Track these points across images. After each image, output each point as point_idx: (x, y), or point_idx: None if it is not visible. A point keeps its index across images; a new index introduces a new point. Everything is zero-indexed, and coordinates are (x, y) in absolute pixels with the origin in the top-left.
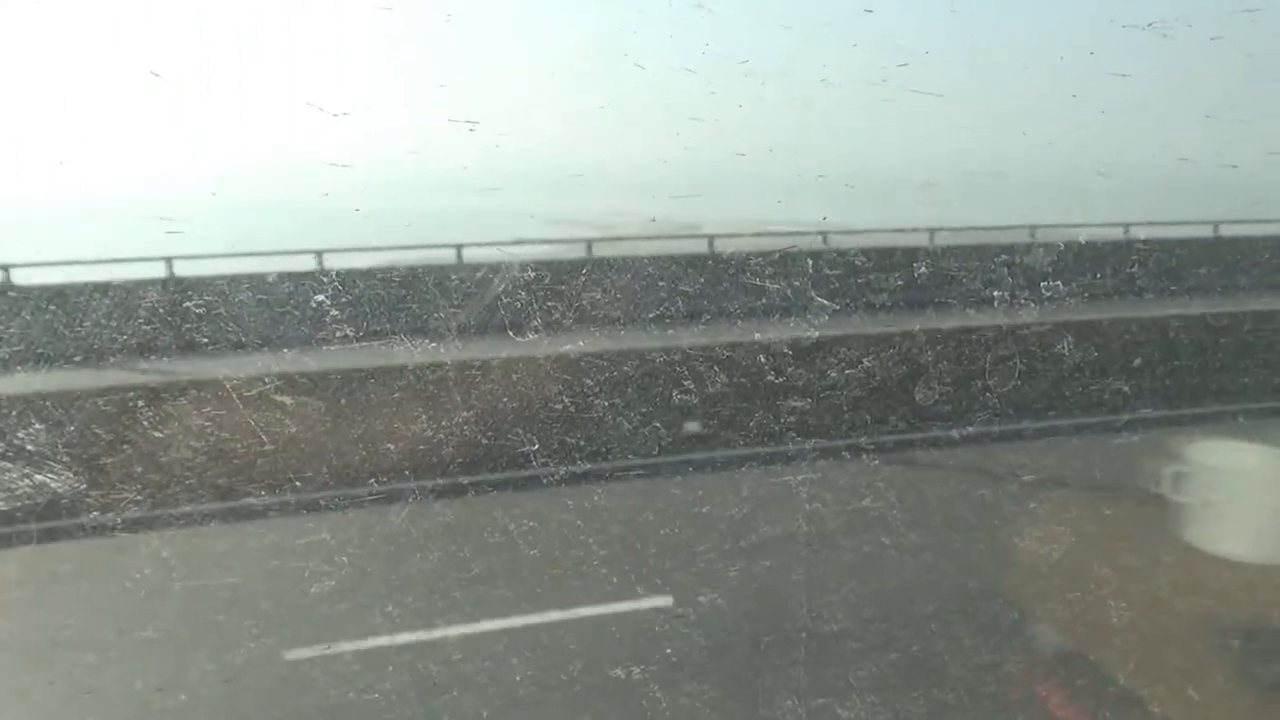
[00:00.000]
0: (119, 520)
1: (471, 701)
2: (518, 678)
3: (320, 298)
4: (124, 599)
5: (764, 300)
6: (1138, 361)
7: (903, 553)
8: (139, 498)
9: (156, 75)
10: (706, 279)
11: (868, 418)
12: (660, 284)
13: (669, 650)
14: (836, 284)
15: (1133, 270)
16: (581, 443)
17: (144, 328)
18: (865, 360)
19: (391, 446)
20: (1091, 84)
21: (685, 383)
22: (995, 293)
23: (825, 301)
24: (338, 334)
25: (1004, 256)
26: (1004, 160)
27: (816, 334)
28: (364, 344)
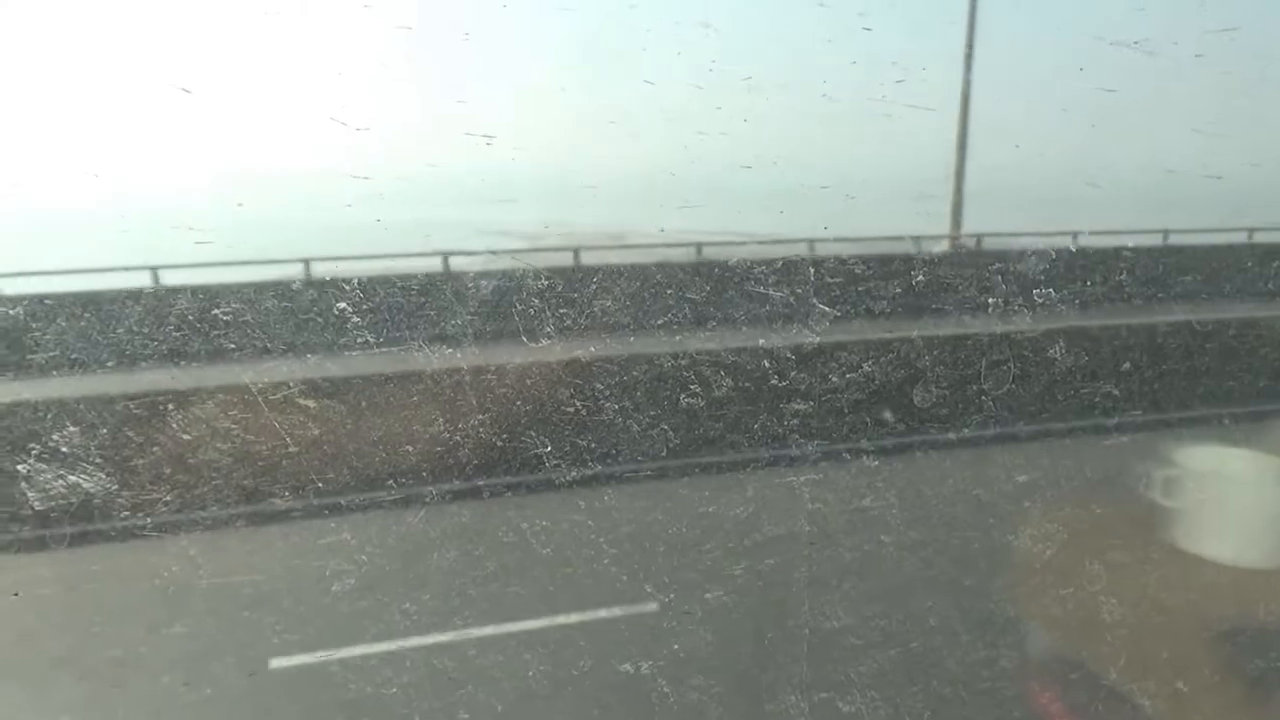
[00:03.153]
0: (148, 520)
1: (486, 696)
2: (530, 673)
3: (342, 305)
4: (152, 597)
5: (767, 307)
6: (1126, 366)
7: (902, 550)
8: (168, 498)
9: (187, 91)
10: (713, 286)
11: (868, 420)
12: (668, 291)
13: (676, 646)
14: (838, 291)
15: (1121, 278)
16: (592, 445)
17: (173, 334)
18: (865, 365)
19: (410, 449)
20: (1081, 99)
21: (692, 386)
22: (990, 299)
23: (826, 308)
24: (359, 340)
25: (998, 264)
26: (997, 172)
27: (818, 339)
28: (383, 349)
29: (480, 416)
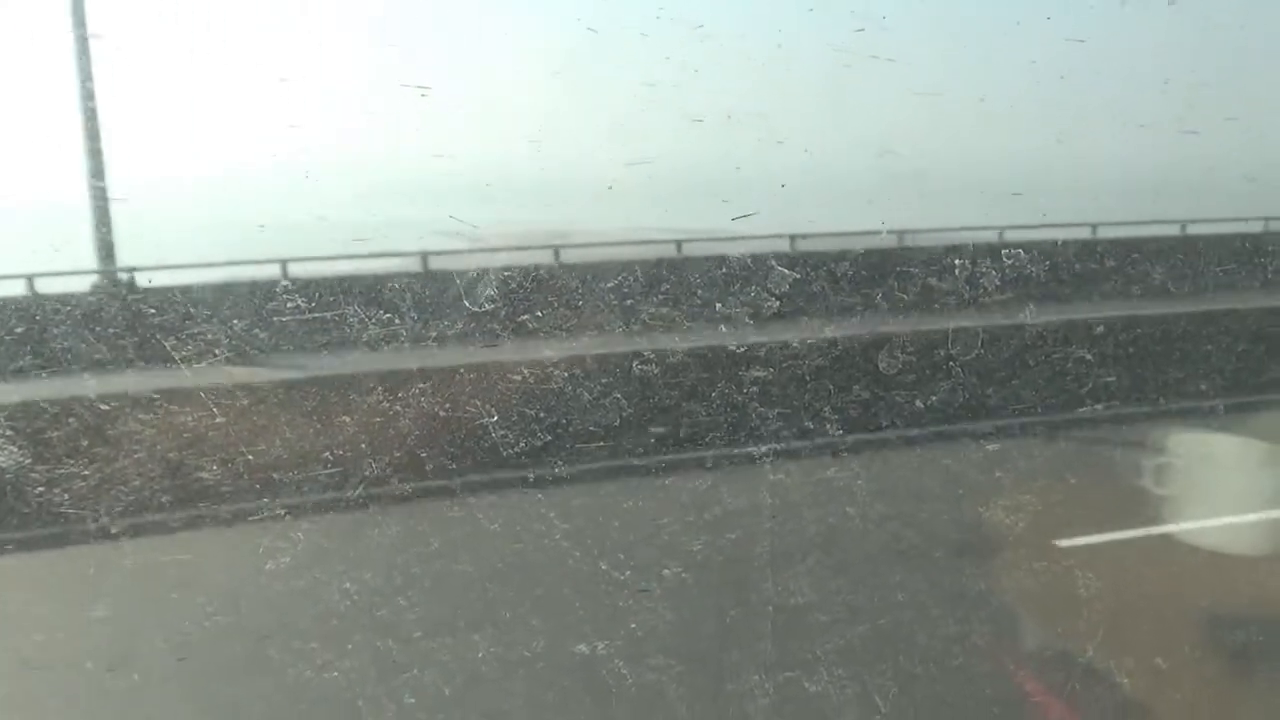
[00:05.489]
0: (67, 498)
1: (432, 680)
2: (480, 655)
3: (271, 268)
4: (73, 577)
5: (724, 269)
6: (1099, 329)
7: (868, 523)
8: (87, 474)
9: (97, 37)
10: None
11: (830, 387)
12: (619, 252)
13: (634, 625)
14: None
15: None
16: (541, 414)
17: (87, 298)
18: (827, 329)
19: (348, 420)
20: (1049, 50)
21: (646, 354)
22: (956, 260)
23: (786, 270)
24: (289, 305)
25: (964, 222)
26: (962, 126)
27: (778, 303)
28: (315, 314)
29: (421, 385)
